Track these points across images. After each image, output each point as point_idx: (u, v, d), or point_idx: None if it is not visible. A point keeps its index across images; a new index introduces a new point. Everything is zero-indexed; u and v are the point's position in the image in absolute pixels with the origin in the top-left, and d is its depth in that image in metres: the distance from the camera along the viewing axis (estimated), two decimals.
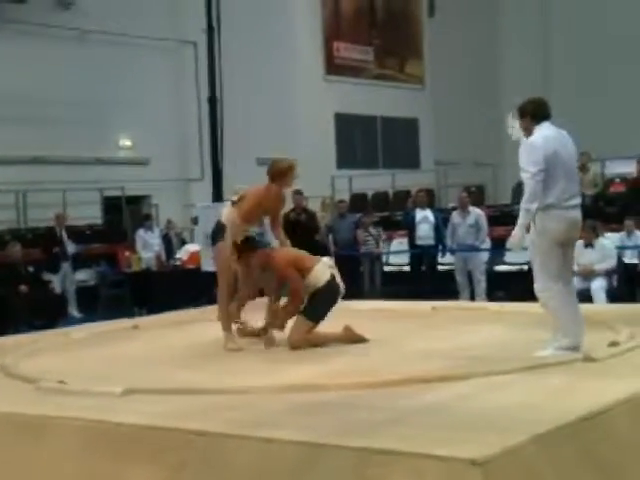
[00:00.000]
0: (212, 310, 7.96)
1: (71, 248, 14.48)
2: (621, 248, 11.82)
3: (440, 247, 13.43)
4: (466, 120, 24.01)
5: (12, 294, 11.99)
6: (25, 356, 6.25)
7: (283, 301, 6.60)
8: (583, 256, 10.40)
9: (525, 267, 13.06)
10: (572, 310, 5.42)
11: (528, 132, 5.48)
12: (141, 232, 15.29)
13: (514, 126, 5.65)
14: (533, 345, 5.55)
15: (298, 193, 12.89)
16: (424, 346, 6.08)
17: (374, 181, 19.84)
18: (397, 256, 15.17)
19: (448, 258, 13.43)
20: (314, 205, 16.11)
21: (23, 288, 12.17)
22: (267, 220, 6.89)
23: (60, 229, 14.58)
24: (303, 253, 6.56)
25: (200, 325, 7.55)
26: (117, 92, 17.51)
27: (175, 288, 13.83)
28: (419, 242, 13.64)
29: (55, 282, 13.86)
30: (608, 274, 10.95)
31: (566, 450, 3.60)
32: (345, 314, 6.71)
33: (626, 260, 11.92)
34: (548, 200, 5.32)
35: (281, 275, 6.38)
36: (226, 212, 6.72)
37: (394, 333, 6.76)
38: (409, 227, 13.90)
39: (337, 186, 19.90)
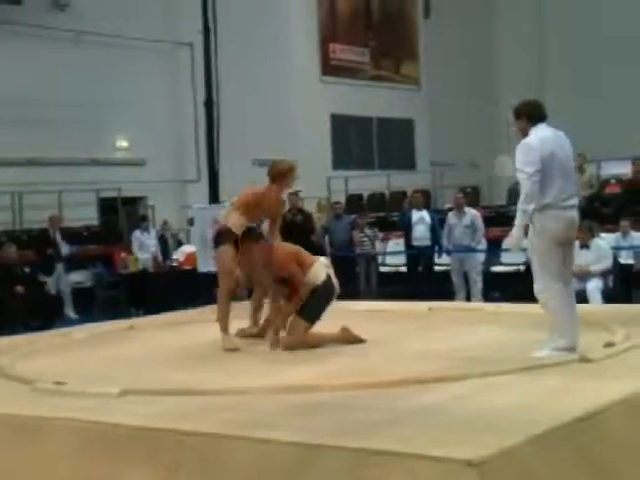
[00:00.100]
0: (209, 311, 7.97)
1: (65, 250, 14.47)
2: (616, 249, 11.83)
3: (436, 248, 13.44)
4: (462, 121, 24.04)
5: (8, 295, 11.98)
6: (21, 357, 6.24)
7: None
8: (579, 257, 10.37)
9: (521, 268, 13.11)
10: (570, 311, 5.42)
11: (524, 133, 5.50)
12: (137, 233, 15.29)
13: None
14: (529, 346, 5.56)
15: (294, 194, 12.90)
16: (421, 347, 6.09)
17: (370, 182, 19.85)
18: (393, 257, 15.18)
19: (444, 259, 13.44)
20: (310, 206, 16.12)
21: (19, 289, 12.17)
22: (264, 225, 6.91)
23: (54, 231, 14.56)
24: (302, 249, 6.57)
25: (197, 326, 7.55)
26: (113, 93, 17.50)
27: (171, 289, 13.83)
28: (415, 243, 13.65)
29: (50, 283, 13.86)
30: (604, 275, 10.97)
31: (562, 451, 3.61)
32: (341, 315, 6.71)
33: (621, 261, 11.94)
34: (545, 200, 5.33)
35: (283, 268, 6.32)
36: (224, 213, 6.75)
37: (391, 334, 6.76)
38: (405, 228, 13.91)
39: (333, 187, 19.91)
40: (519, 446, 3.43)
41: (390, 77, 24.35)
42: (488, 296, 12.38)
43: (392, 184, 20.16)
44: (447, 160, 22.53)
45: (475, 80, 25.17)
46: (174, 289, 13.78)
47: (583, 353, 5.18)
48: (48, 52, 16.70)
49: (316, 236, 14.09)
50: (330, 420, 3.96)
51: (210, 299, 10.14)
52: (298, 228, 12.53)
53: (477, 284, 12.68)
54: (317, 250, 11.06)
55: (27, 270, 13.00)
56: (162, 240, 15.87)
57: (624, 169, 15.19)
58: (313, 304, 6.24)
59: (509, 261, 13.73)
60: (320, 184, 18.98)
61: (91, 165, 17.51)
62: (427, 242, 13.55)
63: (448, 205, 15.85)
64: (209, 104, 13.33)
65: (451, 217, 13.09)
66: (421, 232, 13.57)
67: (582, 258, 10.55)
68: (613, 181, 15.24)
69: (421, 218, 13.69)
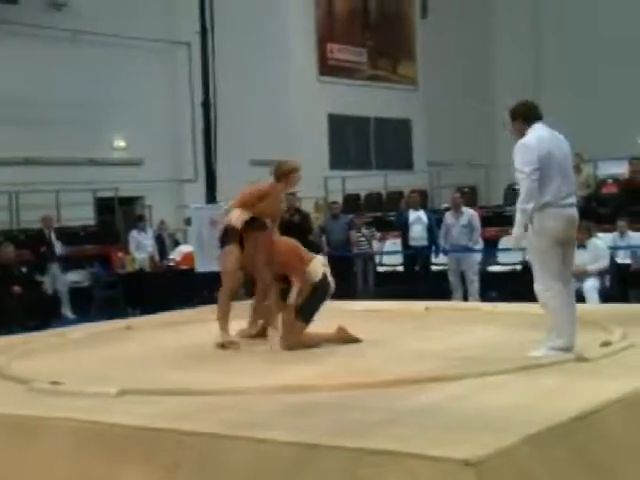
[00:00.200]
0: (206, 310, 7.97)
1: (59, 249, 14.45)
2: (614, 248, 11.85)
3: (433, 248, 13.45)
4: (459, 121, 24.07)
5: (5, 295, 11.97)
6: (17, 357, 6.23)
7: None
8: (576, 256, 10.41)
9: (518, 267, 13.13)
10: (570, 311, 5.43)
11: (520, 134, 5.50)
12: (134, 233, 15.28)
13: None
14: (526, 345, 5.56)
15: (291, 194, 12.90)
16: (418, 346, 6.09)
17: (367, 182, 19.86)
18: (391, 257, 15.19)
19: (441, 258, 13.45)
20: (307, 206, 16.12)
21: (16, 289, 12.16)
22: None
23: (49, 231, 14.56)
24: (300, 245, 6.56)
25: (195, 326, 7.54)
26: (110, 93, 17.49)
27: (168, 289, 13.84)
28: (412, 243, 13.66)
29: (46, 283, 13.86)
30: (601, 274, 10.98)
31: (559, 450, 3.61)
32: (338, 314, 6.72)
33: (618, 260, 11.96)
34: (545, 199, 5.33)
35: (285, 263, 6.30)
36: (225, 213, 6.79)
37: (388, 333, 6.76)
38: (402, 228, 13.92)
39: (330, 187, 19.91)
40: (516, 446, 3.44)
41: (387, 77, 24.36)
42: (485, 296, 12.40)
43: (389, 184, 20.18)
44: (444, 160, 22.55)
45: (472, 80, 25.20)
46: (171, 289, 13.79)
47: (580, 352, 5.19)
48: (45, 52, 16.69)
49: (314, 236, 14.09)
50: (328, 420, 3.96)
51: (207, 299, 10.17)
52: (296, 228, 12.50)
53: (474, 284, 12.69)
54: (315, 250, 11.06)
55: (24, 270, 12.99)
56: (159, 240, 15.88)
57: (621, 169, 15.20)
58: (309, 304, 6.24)
59: (506, 261, 13.76)
60: (317, 184, 18.98)
61: (88, 165, 17.50)
62: (424, 242, 13.56)
63: (445, 205, 15.86)
64: (206, 104, 13.33)
65: (448, 217, 13.09)
66: (418, 232, 13.58)
67: (579, 258, 10.53)
68: (610, 181, 15.24)
69: (418, 218, 13.70)
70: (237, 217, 6.48)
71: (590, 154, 15.16)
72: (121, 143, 18.54)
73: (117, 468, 3.92)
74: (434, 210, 15.58)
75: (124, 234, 16.35)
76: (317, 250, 11.33)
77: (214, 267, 11.96)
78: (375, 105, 23.13)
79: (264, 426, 3.90)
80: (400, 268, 14.38)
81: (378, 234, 15.21)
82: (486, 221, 14.04)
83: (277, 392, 4.63)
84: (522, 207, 5.33)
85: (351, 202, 18.95)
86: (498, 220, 14.98)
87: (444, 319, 7.55)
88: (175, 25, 18.39)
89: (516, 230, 5.43)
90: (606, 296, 10.71)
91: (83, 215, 17.10)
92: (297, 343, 6.15)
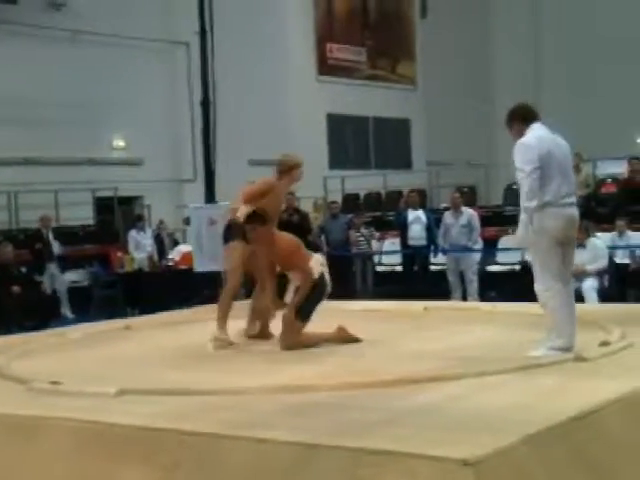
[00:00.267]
0: (205, 310, 7.97)
1: (57, 249, 14.44)
2: (612, 248, 11.86)
3: (432, 247, 13.46)
4: (458, 120, 24.06)
5: (4, 295, 11.97)
6: (17, 357, 6.23)
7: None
8: (575, 256, 10.42)
9: (517, 267, 13.14)
10: (569, 311, 5.43)
11: (519, 134, 5.51)
12: (133, 233, 15.29)
13: None
14: (525, 345, 5.57)
15: (290, 194, 12.90)
16: (417, 346, 6.10)
17: (366, 181, 19.85)
18: (389, 256, 15.19)
19: (440, 258, 13.45)
20: (306, 206, 16.12)
21: (16, 289, 12.15)
22: None
23: (46, 230, 14.56)
24: (300, 241, 6.57)
25: (194, 325, 7.55)
26: (110, 93, 17.49)
27: (167, 289, 13.83)
28: (411, 242, 13.67)
29: (45, 282, 13.87)
30: (599, 274, 10.99)
31: (558, 450, 3.61)
32: (337, 314, 6.73)
33: (617, 260, 11.96)
34: (545, 198, 5.33)
35: (287, 256, 6.30)
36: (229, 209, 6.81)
37: (387, 333, 6.77)
38: (401, 227, 13.93)
39: (329, 187, 19.91)
40: (515, 446, 3.44)
41: (386, 77, 24.36)
42: (484, 295, 12.39)
43: (388, 184, 20.18)
44: (443, 160, 22.55)
45: (471, 80, 25.20)
46: (170, 289, 13.78)
47: (579, 352, 5.19)
48: (44, 51, 16.69)
49: (313, 236, 14.09)
50: (327, 420, 3.97)
51: (207, 299, 10.16)
52: (295, 228, 12.47)
53: (473, 283, 12.69)
54: (314, 250, 11.07)
55: (23, 270, 12.98)
56: (158, 240, 15.88)
57: (620, 169, 15.22)
58: (307, 303, 6.24)
59: (505, 260, 13.76)
60: (316, 184, 18.97)
61: (87, 165, 17.50)
62: (423, 242, 13.57)
63: (444, 205, 15.87)
64: (206, 104, 13.31)
65: (448, 217, 13.09)
66: (417, 232, 13.59)
67: (578, 257, 10.51)
68: (609, 180, 15.25)
69: (417, 218, 13.71)
70: (241, 211, 6.47)
71: (589, 154, 15.17)
72: (120, 143, 18.54)
73: (116, 468, 3.92)
74: (433, 210, 15.58)
75: (123, 234, 16.36)
76: (316, 250, 11.34)
77: (213, 267, 12.03)
78: (374, 105, 23.12)
79: (264, 426, 3.90)
80: (399, 268, 14.38)
81: (377, 234, 15.21)
82: (485, 221, 14.04)
83: (277, 392, 4.63)
84: (526, 205, 5.33)
85: (350, 202, 18.94)
86: (497, 220, 15.00)
87: (443, 319, 7.56)
88: (174, 25, 18.38)
89: (521, 229, 5.42)
90: (605, 296, 10.71)
91: (82, 215, 17.10)
92: (296, 343, 6.15)
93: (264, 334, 6.67)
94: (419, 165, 23.77)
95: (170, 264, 15.09)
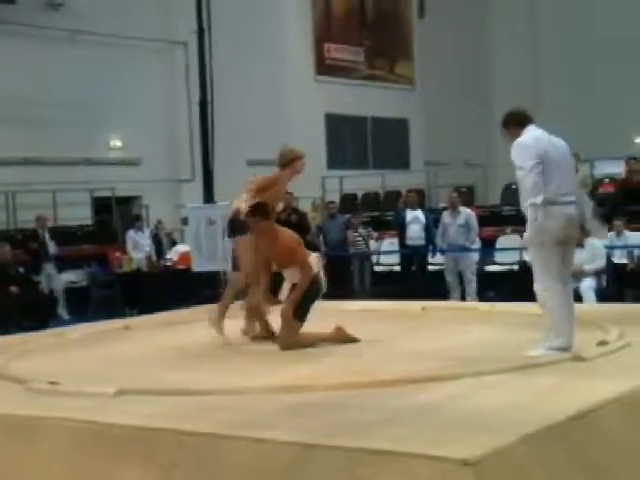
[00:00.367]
0: (203, 310, 7.96)
1: (53, 249, 14.43)
2: (610, 248, 11.87)
3: (430, 247, 13.46)
4: (456, 120, 24.07)
5: (2, 295, 11.96)
6: (16, 357, 6.23)
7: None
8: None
9: (515, 267, 13.15)
10: (568, 311, 5.43)
11: (515, 137, 5.50)
12: (131, 233, 15.29)
13: None
14: (524, 345, 5.57)
15: (288, 193, 12.89)
16: (415, 346, 6.10)
17: (364, 181, 19.86)
18: (387, 256, 15.19)
19: (438, 258, 13.46)
20: (304, 205, 16.12)
21: (13, 289, 12.15)
22: None
23: (43, 231, 14.55)
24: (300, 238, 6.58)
25: (192, 326, 7.54)
26: (108, 93, 17.48)
27: (166, 289, 13.84)
28: (409, 242, 13.67)
29: (42, 283, 13.86)
30: (597, 274, 10.99)
31: (556, 450, 3.62)
32: (335, 314, 6.73)
33: (615, 260, 11.97)
34: (545, 196, 5.33)
35: (289, 251, 6.29)
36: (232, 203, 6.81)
37: (385, 333, 6.77)
38: (399, 227, 13.93)
39: (327, 186, 19.92)
40: (514, 445, 3.45)
41: (384, 77, 24.36)
42: (482, 295, 12.40)
43: (386, 184, 20.18)
44: (441, 160, 22.56)
45: (469, 80, 25.21)
46: (168, 289, 13.78)
47: (577, 352, 5.20)
48: (43, 51, 16.68)
49: (311, 236, 14.08)
50: (325, 420, 3.97)
51: (203, 299, 10.16)
52: (293, 228, 12.48)
53: (471, 283, 12.70)
54: (312, 250, 11.08)
55: (21, 270, 12.97)
56: (156, 239, 15.87)
57: (618, 169, 15.22)
58: (303, 303, 6.24)
59: (503, 260, 13.78)
60: (314, 183, 18.98)
61: (85, 164, 17.49)
62: (421, 241, 13.57)
63: (442, 204, 15.87)
64: (204, 104, 13.32)
65: (445, 216, 13.10)
66: (415, 231, 13.59)
67: (576, 257, 10.55)
68: (607, 181, 15.26)
69: (415, 217, 13.71)
70: (242, 204, 6.46)
71: (587, 154, 15.15)
72: (118, 143, 18.54)
73: (115, 468, 3.92)
74: (431, 210, 15.58)
75: (121, 234, 16.35)
76: (315, 250, 11.34)
77: (211, 267, 12.04)
78: (372, 105, 23.13)
79: (262, 426, 3.91)
80: (397, 268, 14.38)
81: (375, 234, 15.20)
82: (483, 221, 14.04)
83: (275, 392, 4.64)
84: (532, 201, 5.31)
85: (348, 202, 18.95)
86: (495, 220, 15.01)
87: (441, 319, 7.56)
88: (172, 25, 18.38)
89: (529, 228, 5.40)
90: (603, 296, 10.72)
91: (80, 215, 17.09)
92: (294, 343, 6.15)
93: (266, 332, 6.65)
94: (417, 165, 23.79)
95: (168, 264, 15.10)
